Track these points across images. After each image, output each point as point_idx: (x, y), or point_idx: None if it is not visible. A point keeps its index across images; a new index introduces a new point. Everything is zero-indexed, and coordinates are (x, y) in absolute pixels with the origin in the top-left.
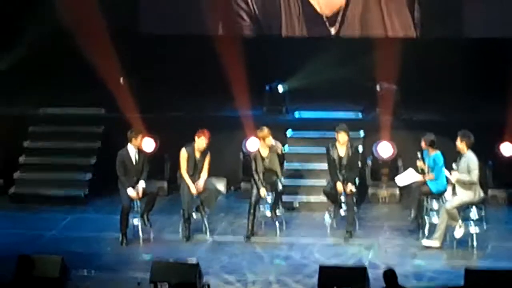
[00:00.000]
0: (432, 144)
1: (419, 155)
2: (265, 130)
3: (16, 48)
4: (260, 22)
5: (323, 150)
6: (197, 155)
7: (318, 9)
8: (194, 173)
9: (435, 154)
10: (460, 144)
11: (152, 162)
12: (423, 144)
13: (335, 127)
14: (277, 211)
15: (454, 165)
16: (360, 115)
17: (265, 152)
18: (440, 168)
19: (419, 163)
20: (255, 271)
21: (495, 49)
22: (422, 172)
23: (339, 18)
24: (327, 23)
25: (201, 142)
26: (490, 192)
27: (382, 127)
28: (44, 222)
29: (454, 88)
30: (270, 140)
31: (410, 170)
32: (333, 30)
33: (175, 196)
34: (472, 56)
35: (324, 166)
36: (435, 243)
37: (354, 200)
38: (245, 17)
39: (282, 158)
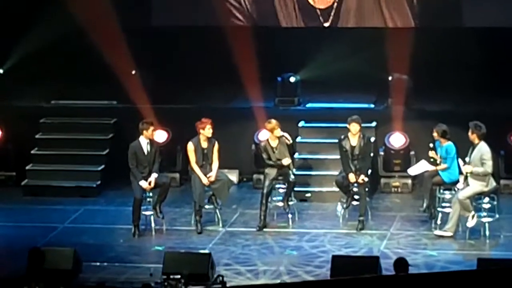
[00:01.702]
0: (444, 135)
1: (431, 145)
2: (273, 122)
3: (29, 41)
4: (254, 20)
5: (335, 140)
6: (204, 145)
7: (312, 3)
8: (205, 163)
9: (448, 144)
10: (472, 136)
11: (164, 154)
12: (435, 134)
13: (347, 118)
14: (289, 201)
15: (467, 158)
16: (372, 106)
17: (274, 143)
18: (452, 159)
19: (432, 153)
20: (266, 262)
21: (508, 39)
22: (434, 162)
23: (332, 12)
24: (320, 17)
25: (207, 131)
26: (502, 181)
27: (394, 118)
28: (57, 214)
29: (466, 78)
30: (278, 132)
31: (423, 162)
32: (327, 24)
33: (187, 187)
34: (484, 46)
35: (336, 156)
36: (447, 233)
37: (366, 190)
38: (238, 15)
39: (291, 149)
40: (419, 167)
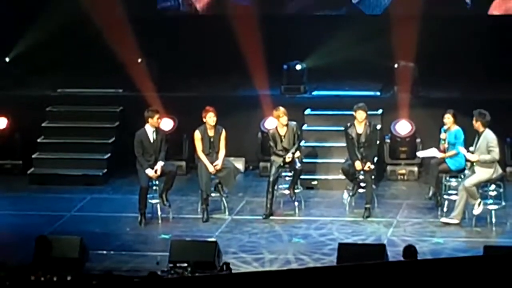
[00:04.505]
0: (455, 119)
1: (445, 127)
2: (280, 110)
3: (35, 30)
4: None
5: (341, 128)
6: (210, 133)
7: None
8: (211, 152)
9: (456, 130)
10: (476, 124)
11: (170, 142)
12: (450, 118)
13: (353, 106)
14: (296, 189)
15: (471, 148)
16: (378, 93)
17: (282, 131)
18: (460, 144)
19: (443, 135)
20: (273, 250)
21: None
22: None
23: None
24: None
25: (210, 119)
26: (508, 169)
27: (400, 105)
28: (63, 202)
29: (472, 65)
30: (285, 120)
31: (433, 149)
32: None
33: (193, 176)
34: (491, 33)
35: (343, 144)
36: (453, 220)
37: (373, 178)
38: None
39: (299, 138)
40: (428, 152)
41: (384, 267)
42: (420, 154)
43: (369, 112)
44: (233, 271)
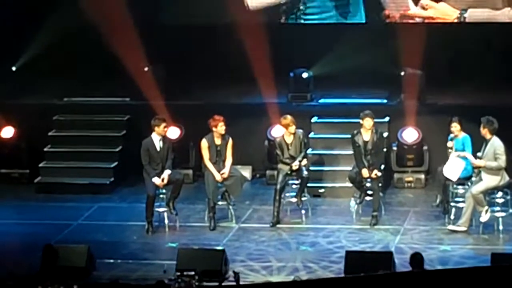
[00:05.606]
0: (462, 126)
1: (452, 135)
2: (288, 118)
3: (41, 39)
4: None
5: (348, 136)
6: (218, 142)
7: None
8: (218, 160)
9: (464, 137)
10: (483, 131)
11: (177, 150)
12: (456, 126)
13: (360, 113)
14: (303, 197)
15: (479, 153)
16: (385, 101)
17: (289, 139)
18: (468, 151)
19: (450, 143)
20: (281, 258)
21: None
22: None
23: None
24: None
25: (220, 128)
26: None
27: (407, 113)
28: (70, 211)
29: (479, 72)
30: (293, 129)
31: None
32: None
33: (200, 184)
34: (498, 40)
35: (349, 152)
36: (461, 228)
37: (380, 185)
38: None
39: (305, 146)
40: (455, 168)
41: (392, 278)
42: (448, 173)
43: (376, 120)
44: (241, 279)
